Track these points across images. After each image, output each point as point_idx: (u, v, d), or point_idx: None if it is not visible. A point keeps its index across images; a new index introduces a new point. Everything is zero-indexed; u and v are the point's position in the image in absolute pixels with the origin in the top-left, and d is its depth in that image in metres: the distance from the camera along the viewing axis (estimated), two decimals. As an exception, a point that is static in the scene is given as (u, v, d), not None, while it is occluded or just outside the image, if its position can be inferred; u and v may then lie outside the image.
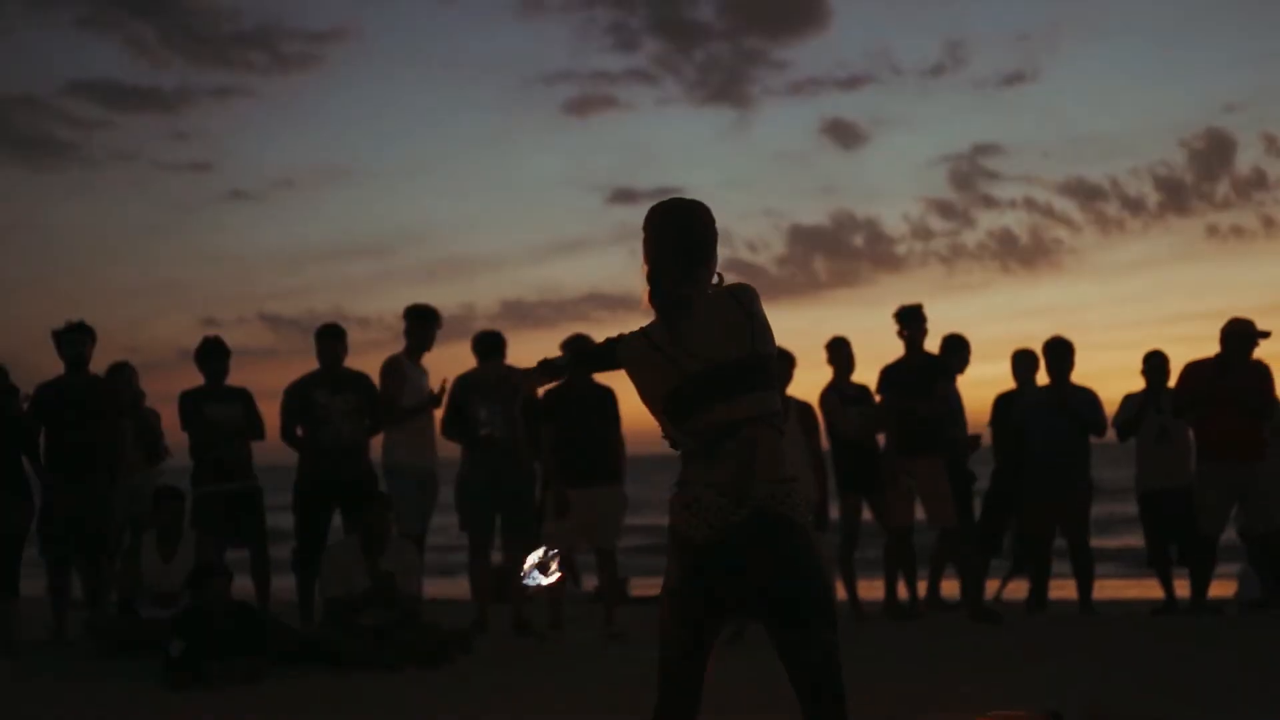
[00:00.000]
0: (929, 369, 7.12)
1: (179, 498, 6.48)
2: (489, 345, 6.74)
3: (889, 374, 7.19)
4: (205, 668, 5.25)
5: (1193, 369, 7.11)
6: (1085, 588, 7.30)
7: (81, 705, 4.96)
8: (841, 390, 7.23)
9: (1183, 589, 7.29)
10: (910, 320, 7.17)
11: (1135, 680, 5.06)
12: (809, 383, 6.70)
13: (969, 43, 73.63)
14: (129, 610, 6.25)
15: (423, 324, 6.87)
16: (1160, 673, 5.19)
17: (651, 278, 2.64)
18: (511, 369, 6.78)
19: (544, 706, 4.84)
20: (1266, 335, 6.95)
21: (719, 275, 2.66)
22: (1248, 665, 5.38)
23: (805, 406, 6.63)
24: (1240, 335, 6.95)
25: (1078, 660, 5.58)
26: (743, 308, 2.59)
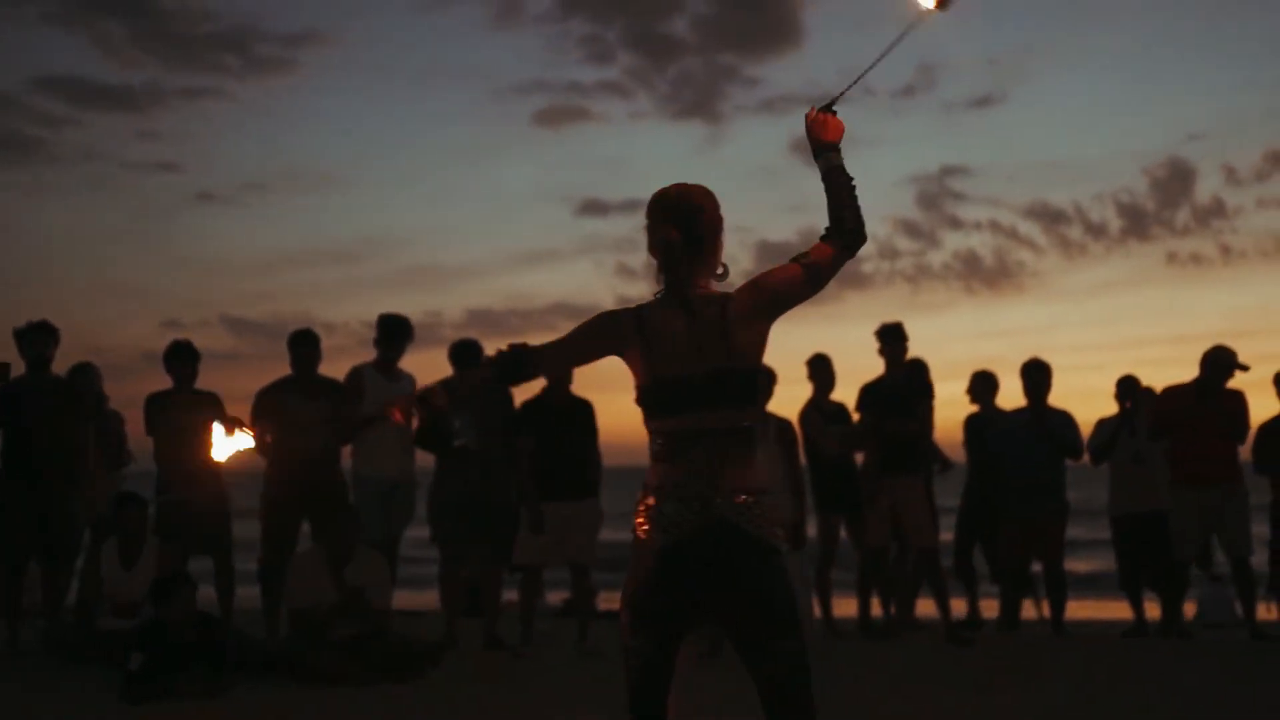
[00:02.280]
0: (909, 388, 7.09)
1: (141, 505, 6.31)
2: (465, 354, 6.62)
3: (869, 392, 7.15)
4: (166, 681, 5.09)
5: (1170, 394, 7.13)
6: (1058, 609, 7.30)
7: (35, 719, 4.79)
8: (821, 408, 7.18)
9: (1152, 610, 7.31)
10: (890, 339, 7.13)
11: (1107, 703, 5.04)
12: (777, 398, 6.64)
13: (940, 65, 74.46)
14: (87, 620, 6.07)
15: (392, 334, 6.74)
16: (1132, 696, 5.18)
17: (658, 268, 2.60)
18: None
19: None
20: (1246, 369, 7.00)
21: (723, 265, 2.64)
22: (1219, 687, 5.39)
23: (785, 424, 6.56)
24: (1220, 363, 7.00)
25: (1051, 683, 5.55)
26: (725, 316, 2.54)
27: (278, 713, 4.95)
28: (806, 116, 2.73)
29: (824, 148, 2.70)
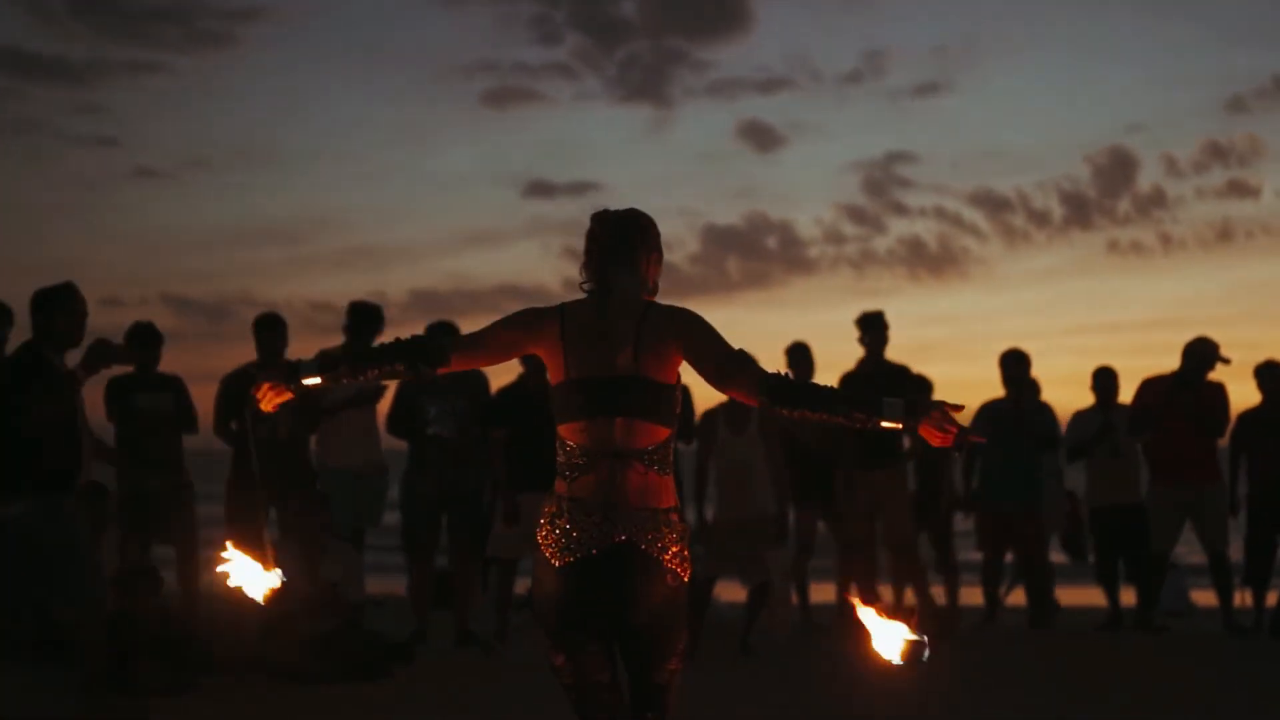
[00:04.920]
0: (890, 378, 6.99)
1: (102, 493, 6.06)
2: (440, 336, 6.43)
3: (848, 382, 7.05)
4: (128, 678, 4.89)
5: (1150, 385, 7.10)
6: (1036, 600, 7.23)
7: (-9, 719, 4.60)
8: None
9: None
10: (871, 327, 7.02)
11: (1083, 698, 5.02)
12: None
13: (887, 53, 74.54)
14: (43, 613, 5.83)
15: (363, 323, 6.53)
16: (1106, 690, 5.18)
17: (585, 265, 2.63)
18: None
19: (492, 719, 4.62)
20: (1227, 361, 6.96)
21: (654, 285, 2.66)
22: (1199, 680, 5.41)
23: (765, 414, 6.45)
24: (1201, 355, 6.96)
25: (1033, 677, 5.53)
26: (642, 322, 2.53)
27: (244, 711, 4.79)
28: (951, 411, 2.49)
29: (909, 423, 2.48)
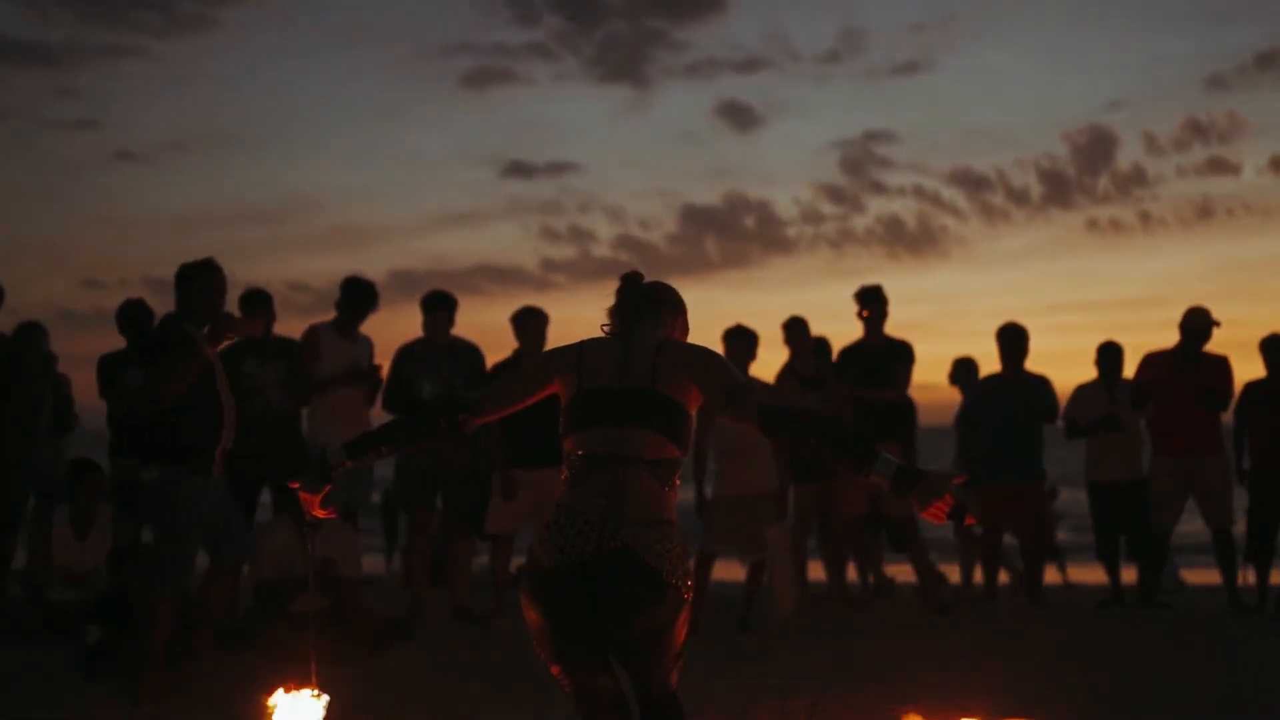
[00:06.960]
0: (889, 353, 6.94)
1: (98, 472, 6.01)
2: (433, 305, 6.37)
3: (847, 357, 7.00)
4: (126, 656, 4.84)
5: (1152, 360, 7.05)
6: (1035, 578, 7.20)
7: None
8: (799, 373, 7.01)
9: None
10: (870, 301, 6.97)
11: (1086, 676, 4.99)
12: (756, 362, 6.46)
13: (865, 31, 74.30)
14: (37, 594, 5.79)
15: (357, 300, 6.46)
16: (1110, 669, 5.14)
17: (611, 321, 2.71)
18: (456, 339, 6.44)
19: (490, 697, 4.59)
20: (1218, 324, 6.91)
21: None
22: (1195, 659, 5.37)
23: (765, 387, 6.40)
24: (1197, 327, 6.91)
25: (1031, 655, 5.48)
26: (658, 353, 2.59)
27: (242, 691, 4.74)
28: (955, 486, 2.43)
29: (899, 486, 2.42)
